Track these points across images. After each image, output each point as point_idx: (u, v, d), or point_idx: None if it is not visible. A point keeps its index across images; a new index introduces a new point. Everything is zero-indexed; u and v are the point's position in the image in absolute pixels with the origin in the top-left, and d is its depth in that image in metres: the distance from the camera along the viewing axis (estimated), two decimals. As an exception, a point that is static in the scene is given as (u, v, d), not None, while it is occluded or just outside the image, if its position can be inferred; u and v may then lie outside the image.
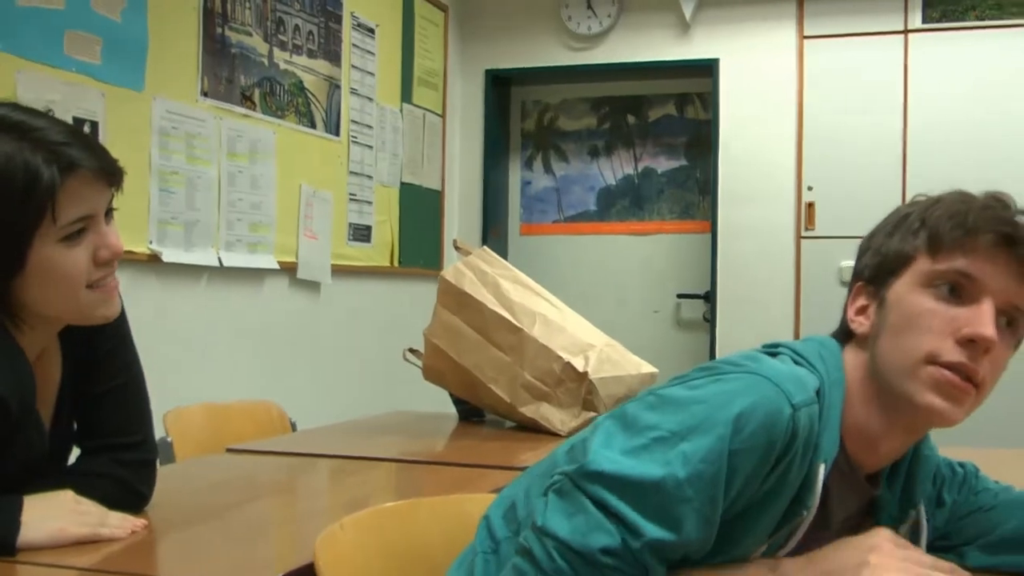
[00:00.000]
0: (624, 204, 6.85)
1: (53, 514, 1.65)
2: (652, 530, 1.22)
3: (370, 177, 5.51)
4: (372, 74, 5.52)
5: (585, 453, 1.30)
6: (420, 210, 6.07)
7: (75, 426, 1.93)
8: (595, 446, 1.29)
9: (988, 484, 1.64)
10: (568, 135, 6.96)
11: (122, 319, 1.92)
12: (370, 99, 5.51)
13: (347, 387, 5.24)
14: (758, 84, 6.22)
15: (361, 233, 5.43)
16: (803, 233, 6.05)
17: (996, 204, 1.44)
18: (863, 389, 1.42)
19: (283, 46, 4.73)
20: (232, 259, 4.37)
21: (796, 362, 1.40)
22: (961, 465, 1.66)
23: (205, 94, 4.21)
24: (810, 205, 6.02)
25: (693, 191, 6.71)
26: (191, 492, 2.19)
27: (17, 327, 1.68)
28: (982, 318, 1.34)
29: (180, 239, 4.07)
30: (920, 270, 1.40)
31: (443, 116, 6.40)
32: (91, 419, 1.92)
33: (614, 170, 6.89)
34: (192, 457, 2.82)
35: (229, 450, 2.72)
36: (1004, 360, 1.40)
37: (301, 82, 4.87)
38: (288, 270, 4.79)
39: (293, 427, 3.36)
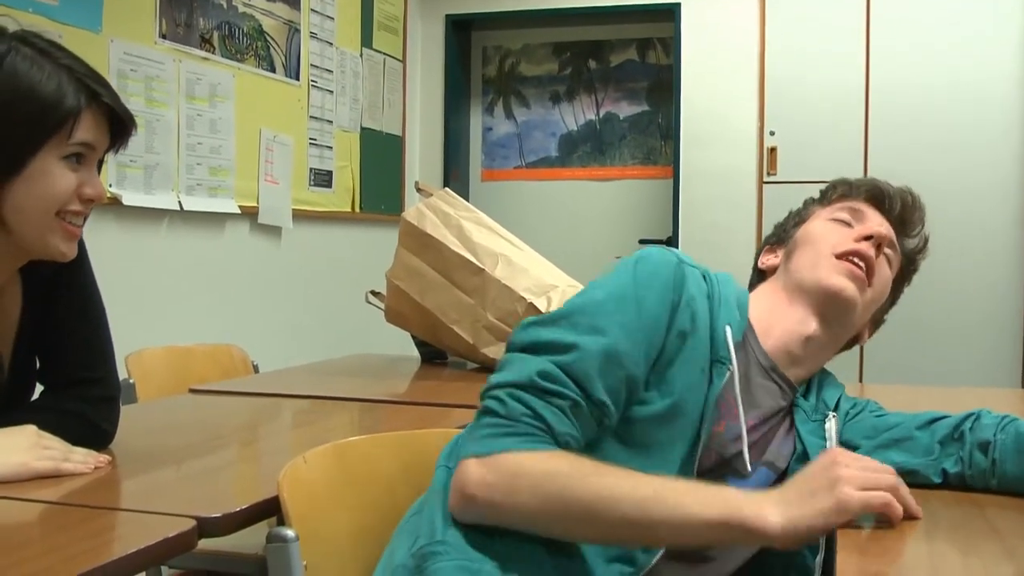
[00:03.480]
0: (586, 150, 6.84)
1: (16, 449, 1.65)
2: (583, 339, 1.46)
3: (330, 122, 5.48)
4: (332, 18, 5.48)
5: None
6: (381, 156, 6.04)
7: (37, 364, 1.93)
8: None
9: (880, 407, 1.87)
10: (529, 80, 6.94)
11: (83, 258, 1.92)
12: (330, 43, 5.47)
13: (309, 331, 5.23)
14: (720, 29, 6.21)
15: (322, 178, 5.40)
16: (765, 178, 6.07)
17: (873, 178, 1.88)
18: (775, 298, 1.76)
19: (242, -12, 4.68)
20: (192, 203, 4.35)
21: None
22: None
23: (164, 36, 4.16)
24: (772, 150, 6.04)
25: (655, 136, 6.72)
26: (154, 430, 2.19)
27: None
28: (869, 224, 1.76)
29: (140, 182, 4.05)
30: (819, 214, 1.84)
31: (403, 61, 6.37)
32: (53, 355, 1.92)
33: (575, 115, 6.88)
34: (155, 398, 2.82)
35: (192, 390, 2.72)
36: (888, 277, 1.78)
37: (260, 25, 4.83)
38: (249, 215, 4.77)
39: (255, 370, 3.36)
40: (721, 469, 1.60)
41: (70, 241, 1.77)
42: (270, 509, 1.51)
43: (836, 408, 1.76)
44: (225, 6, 4.55)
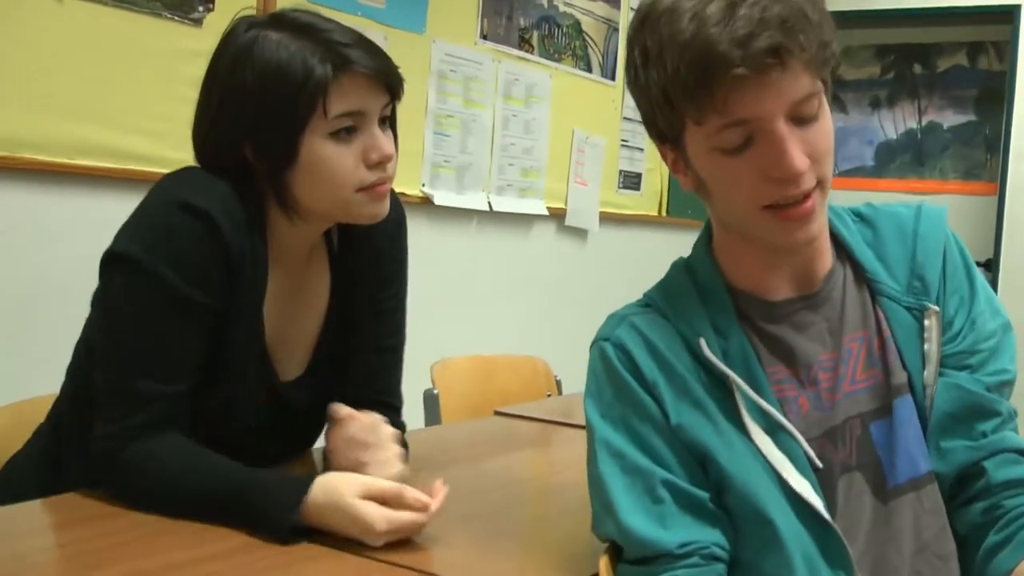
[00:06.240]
0: (904, 160, 6.52)
1: (337, 508, 1.56)
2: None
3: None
4: (651, 17, 5.37)
5: None
6: (691, 158, 5.90)
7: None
8: None
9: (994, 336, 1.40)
10: (848, 84, 6.66)
11: (403, 280, 1.89)
12: (647, 43, 5.36)
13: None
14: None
15: (631, 181, 5.32)
16: (1106, 202, 5.59)
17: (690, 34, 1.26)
18: (725, 235, 1.41)
19: (563, -13, 4.64)
20: (502, 204, 4.34)
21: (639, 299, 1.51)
22: None
23: (484, 36, 4.16)
24: (1116, 172, 5.56)
25: (980, 149, 6.33)
26: (465, 460, 2.13)
27: (290, 219, 1.69)
28: (776, 159, 1.22)
29: (452, 182, 4.05)
30: (696, 139, 1.29)
31: (720, 61, 6.19)
32: (364, 371, 1.87)
33: (895, 123, 6.57)
34: (457, 410, 2.78)
35: (497, 413, 2.67)
36: (826, 132, 1.27)
37: (579, 24, 4.77)
38: (556, 216, 4.73)
39: (559, 386, 3.29)
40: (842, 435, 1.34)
41: (379, 202, 1.70)
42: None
43: (944, 293, 1.39)
44: (546, 5, 4.51)
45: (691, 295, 1.41)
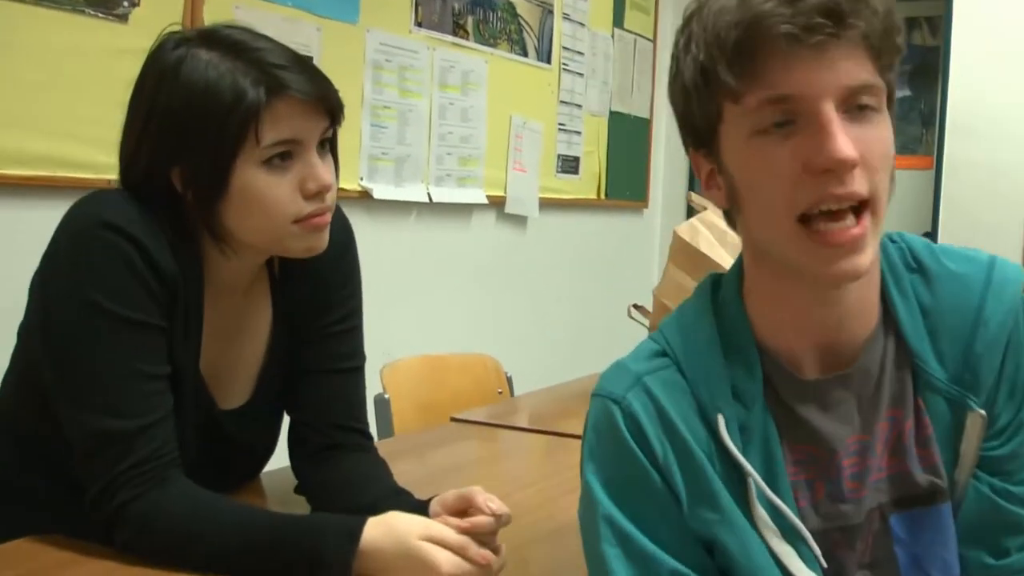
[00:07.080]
0: (840, 135, 6.52)
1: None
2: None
3: (579, 106, 5.31)
4: (585, -2, 5.31)
5: None
6: (628, 140, 5.84)
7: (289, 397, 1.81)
8: None
9: None
10: (782, 60, 6.65)
11: (355, 302, 1.83)
12: (582, 24, 5.29)
13: (555, 324, 5.10)
14: (997, 7, 5.71)
15: (569, 165, 5.25)
16: (1042, 174, 5.60)
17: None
18: (757, 274, 1.22)
19: (496, -30, 4.56)
20: (441, 194, 4.26)
21: (654, 339, 1.26)
22: None
23: (419, 24, 4.06)
24: (1052, 144, 5.57)
25: (916, 124, 6.34)
26: (429, 481, 2.04)
27: (222, 251, 1.59)
28: (818, 144, 1.07)
29: (390, 175, 3.97)
30: (734, 124, 1.14)
31: (654, 41, 6.12)
32: (317, 395, 1.79)
33: (830, 98, 6.56)
34: (409, 415, 2.71)
35: (453, 419, 2.60)
36: (884, 141, 1.14)
37: (514, 7, 4.68)
38: (496, 204, 4.66)
39: (509, 382, 3.22)
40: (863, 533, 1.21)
41: (316, 234, 1.59)
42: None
43: (997, 389, 1.21)
44: (480, -11, 4.43)
45: (714, 348, 1.22)
